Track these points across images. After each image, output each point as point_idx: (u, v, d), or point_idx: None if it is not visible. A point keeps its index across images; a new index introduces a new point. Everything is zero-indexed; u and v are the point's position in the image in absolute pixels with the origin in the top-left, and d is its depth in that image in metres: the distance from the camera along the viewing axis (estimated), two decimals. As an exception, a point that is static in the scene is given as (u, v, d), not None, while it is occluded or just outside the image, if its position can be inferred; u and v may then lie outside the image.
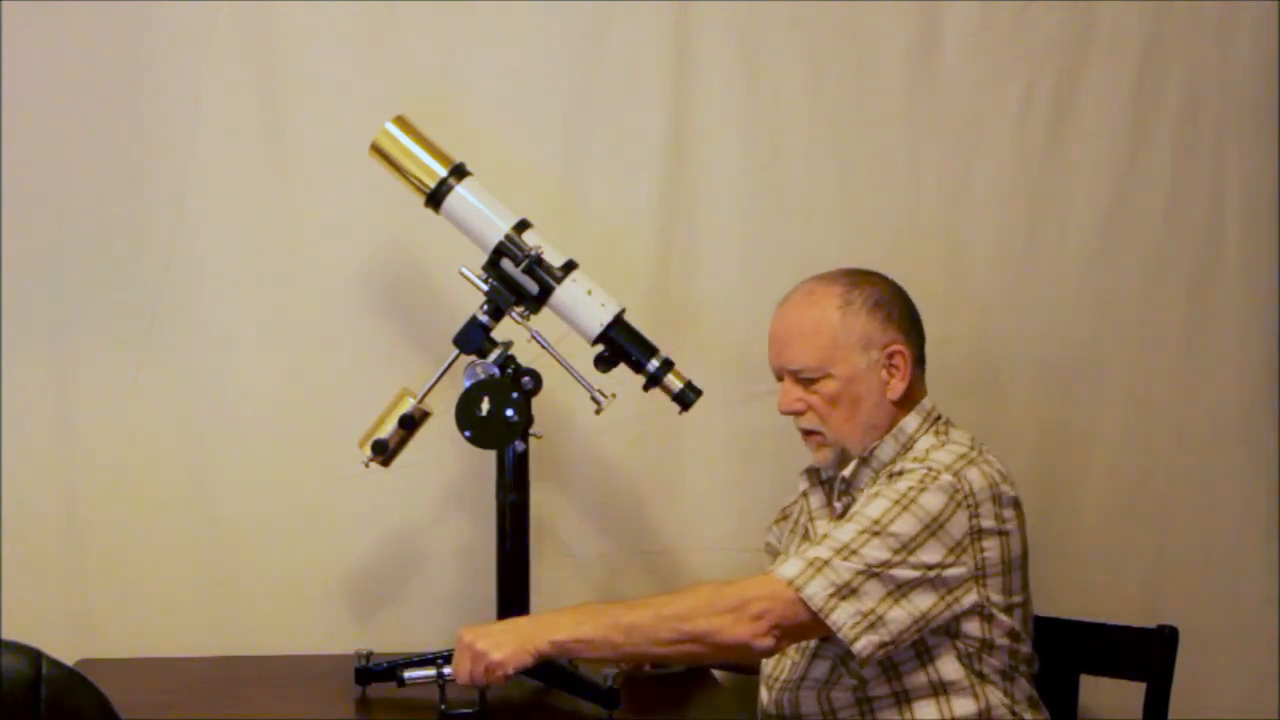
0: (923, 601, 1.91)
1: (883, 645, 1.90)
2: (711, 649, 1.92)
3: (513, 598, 2.12)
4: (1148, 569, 2.55)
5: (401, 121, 2.11)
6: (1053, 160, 2.49)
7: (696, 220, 2.44)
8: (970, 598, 1.95)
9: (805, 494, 2.17)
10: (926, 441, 2.05)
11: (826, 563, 1.89)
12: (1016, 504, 2.01)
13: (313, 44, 2.35)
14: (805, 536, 2.13)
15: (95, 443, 2.34)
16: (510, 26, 2.38)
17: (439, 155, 2.11)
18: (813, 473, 2.17)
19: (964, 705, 1.97)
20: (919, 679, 1.97)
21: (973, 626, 1.97)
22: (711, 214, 2.44)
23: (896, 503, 1.93)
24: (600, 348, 2.12)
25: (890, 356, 2.05)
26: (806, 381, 2.05)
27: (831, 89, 2.45)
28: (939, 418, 2.09)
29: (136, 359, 2.35)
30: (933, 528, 1.92)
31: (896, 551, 1.90)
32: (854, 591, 1.88)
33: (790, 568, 1.91)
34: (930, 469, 1.96)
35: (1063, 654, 2.25)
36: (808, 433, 2.09)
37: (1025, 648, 2.04)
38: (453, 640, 2.18)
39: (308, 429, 2.37)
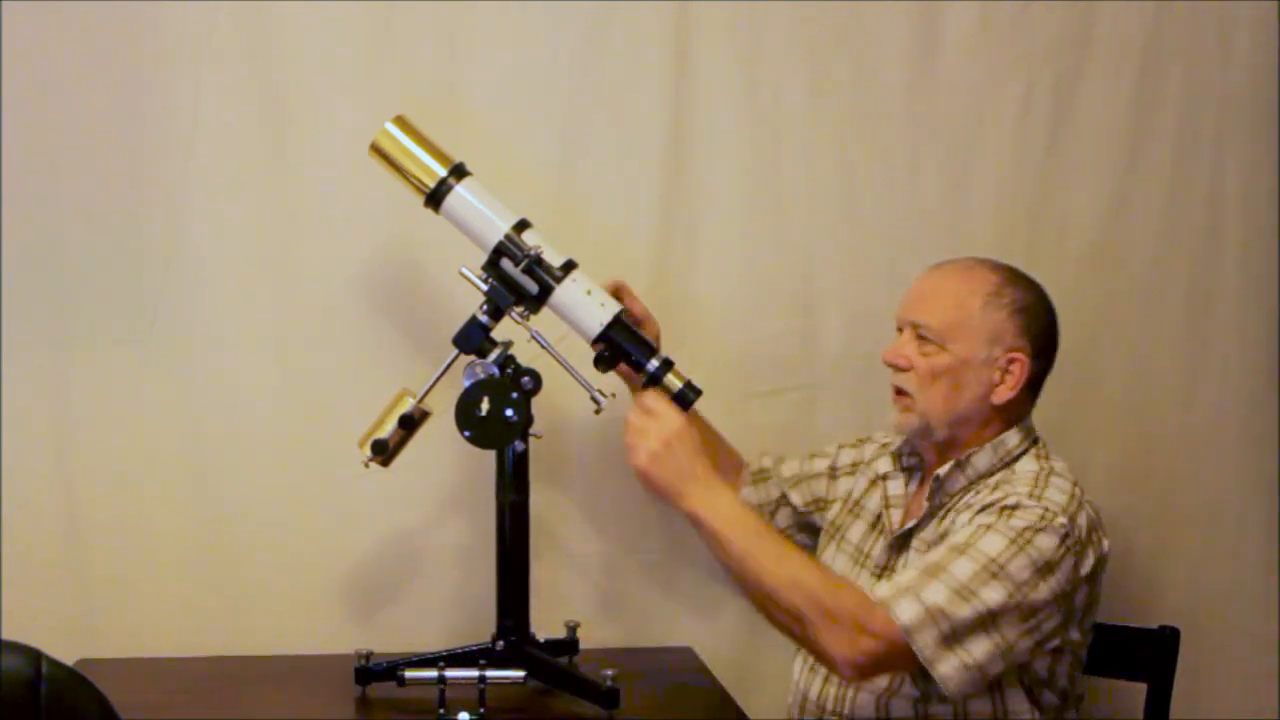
0: (1022, 647, 1.89)
1: (980, 686, 1.89)
2: (805, 641, 1.89)
3: (513, 598, 2.12)
4: (1148, 569, 2.55)
5: (401, 121, 2.11)
6: (1053, 160, 2.49)
7: (696, 220, 2.44)
8: (1055, 641, 1.94)
9: (885, 477, 2.16)
10: (1029, 463, 2.04)
11: (943, 612, 1.84)
12: (1104, 556, 2.00)
13: (313, 44, 2.35)
14: (874, 525, 2.13)
15: (95, 443, 2.34)
16: (510, 26, 2.38)
17: (439, 155, 2.11)
18: (896, 459, 2.16)
19: None
20: (983, 706, 1.96)
21: (1043, 665, 1.96)
22: (711, 214, 2.44)
23: (1013, 541, 1.89)
24: (600, 348, 2.12)
25: (1010, 362, 2.03)
26: (923, 341, 2.04)
27: (831, 89, 2.45)
28: (1038, 440, 2.08)
29: (136, 359, 2.34)
30: (1043, 571, 1.88)
31: (1011, 595, 1.86)
32: (961, 643, 1.85)
33: (908, 612, 1.84)
34: (1047, 509, 1.92)
35: (1063, 654, 2.25)
36: (899, 391, 2.08)
37: (1080, 686, 2.03)
38: (452, 640, 2.20)
39: (308, 429, 2.37)
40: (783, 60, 2.43)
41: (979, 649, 1.85)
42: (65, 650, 1.53)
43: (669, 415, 1.98)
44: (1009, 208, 2.49)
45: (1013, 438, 2.05)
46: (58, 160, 2.31)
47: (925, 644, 1.83)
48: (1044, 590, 1.88)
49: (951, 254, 2.41)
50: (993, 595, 1.85)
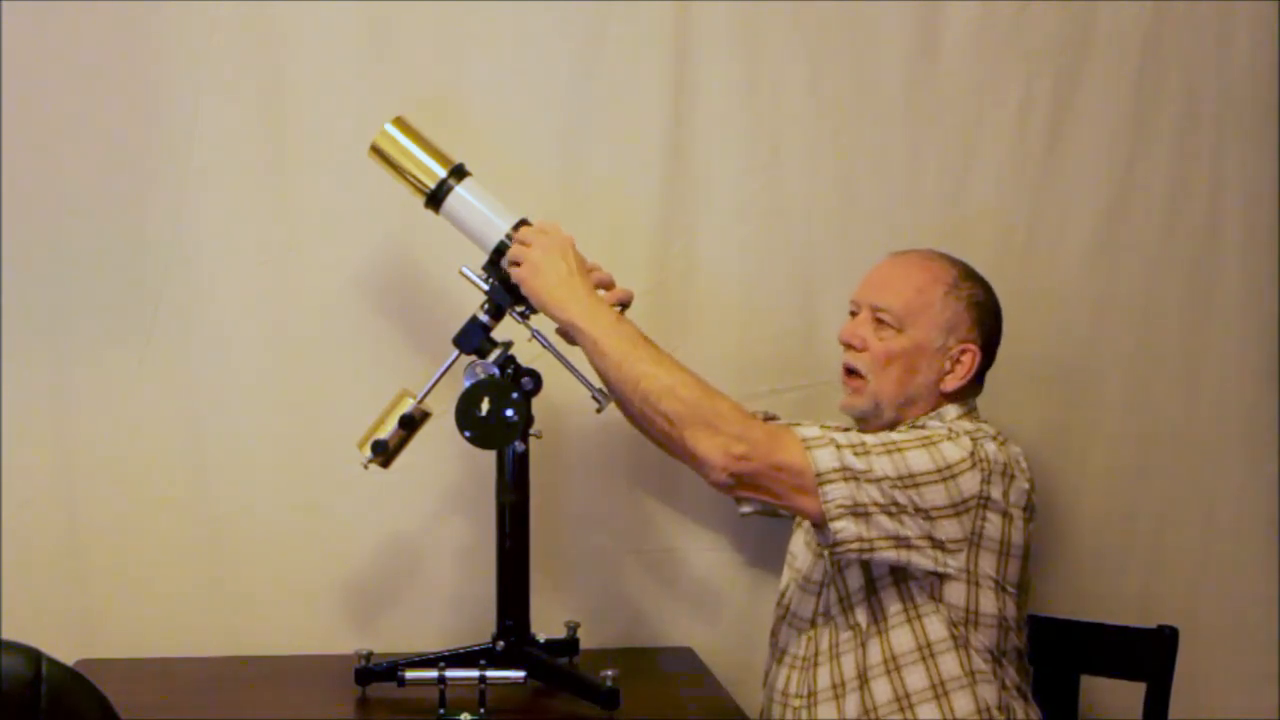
0: (910, 530, 1.93)
1: (860, 540, 1.92)
2: (680, 444, 1.94)
3: (513, 598, 2.12)
4: (1147, 569, 2.55)
5: (401, 122, 2.11)
6: (1053, 160, 2.50)
7: (696, 220, 2.44)
8: (957, 561, 1.96)
9: None
10: (952, 417, 2.11)
11: (840, 448, 1.92)
12: (1029, 500, 2.03)
13: (313, 44, 2.35)
14: None
15: (95, 443, 2.34)
16: (510, 26, 2.38)
17: (438, 156, 2.11)
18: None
19: (950, 665, 1.99)
20: (906, 640, 1.99)
21: (957, 594, 1.98)
22: (711, 214, 2.44)
23: (919, 439, 1.97)
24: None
25: (961, 353, 2.10)
26: (880, 324, 2.09)
27: (831, 89, 2.45)
28: (975, 409, 2.14)
29: (136, 359, 2.34)
30: (944, 475, 1.94)
31: (903, 477, 1.92)
32: (856, 482, 1.91)
33: (809, 430, 1.95)
34: (952, 430, 2.01)
35: (1063, 654, 2.25)
36: (851, 372, 2.12)
37: (1016, 640, 2.04)
38: (452, 640, 2.20)
39: (308, 429, 2.37)
40: (783, 60, 2.43)
41: (868, 496, 1.91)
42: (65, 650, 1.53)
43: (556, 232, 2.05)
44: (1009, 208, 2.50)
45: (951, 410, 2.11)
46: (58, 161, 2.31)
47: (823, 461, 1.91)
48: (941, 492, 1.94)
49: (952, 253, 2.41)
50: (885, 467, 1.92)
